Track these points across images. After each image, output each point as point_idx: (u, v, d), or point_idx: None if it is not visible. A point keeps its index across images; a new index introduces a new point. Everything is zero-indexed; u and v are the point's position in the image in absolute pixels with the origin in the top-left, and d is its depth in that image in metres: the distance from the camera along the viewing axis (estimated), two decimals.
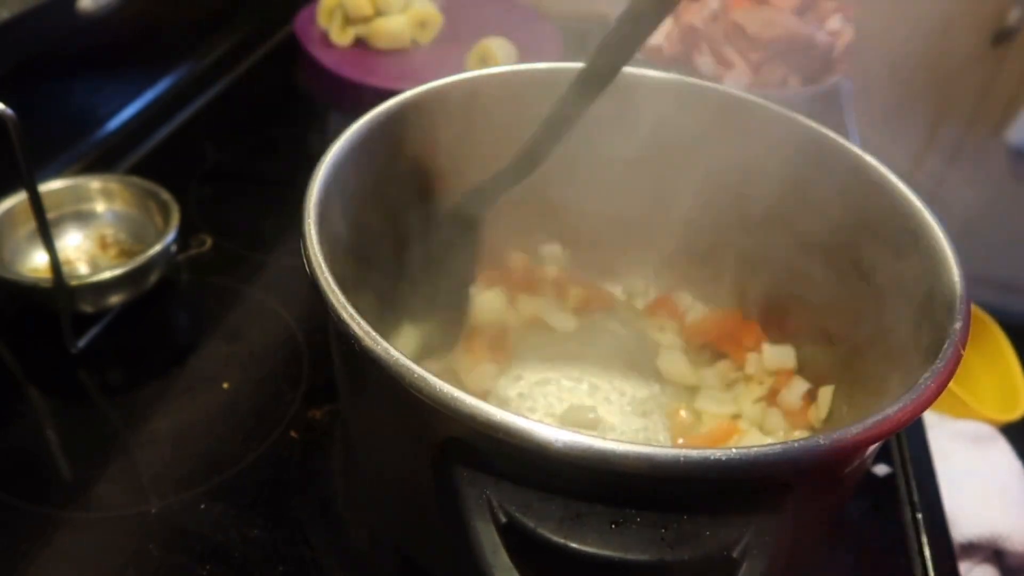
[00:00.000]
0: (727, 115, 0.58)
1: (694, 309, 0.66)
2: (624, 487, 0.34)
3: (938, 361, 0.38)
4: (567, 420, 0.59)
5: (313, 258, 0.41)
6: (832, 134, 0.54)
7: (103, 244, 0.73)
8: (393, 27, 1.06)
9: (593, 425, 0.58)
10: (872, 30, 1.05)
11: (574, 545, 0.33)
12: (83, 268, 0.71)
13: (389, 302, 0.60)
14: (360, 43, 1.09)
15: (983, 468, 0.95)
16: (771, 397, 0.58)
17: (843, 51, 1.00)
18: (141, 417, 0.61)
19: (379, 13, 1.07)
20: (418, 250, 0.61)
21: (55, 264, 0.60)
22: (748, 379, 0.61)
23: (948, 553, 0.58)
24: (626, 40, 0.44)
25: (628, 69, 0.60)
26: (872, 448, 0.40)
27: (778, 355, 0.60)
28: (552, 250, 0.68)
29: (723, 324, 0.63)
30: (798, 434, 0.56)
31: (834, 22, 1.00)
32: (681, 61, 0.99)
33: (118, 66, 0.93)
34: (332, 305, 0.38)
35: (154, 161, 0.89)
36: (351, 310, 0.38)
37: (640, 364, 0.63)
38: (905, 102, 1.55)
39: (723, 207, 0.61)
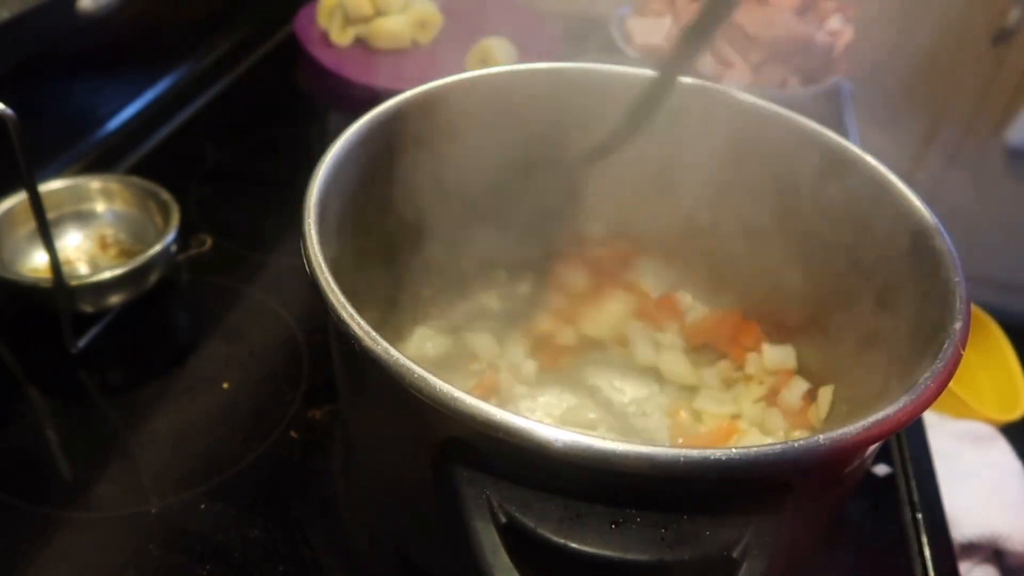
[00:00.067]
0: (726, 115, 0.58)
1: (694, 309, 0.66)
2: (624, 487, 0.34)
3: (938, 361, 0.38)
4: (566, 420, 0.59)
5: (313, 258, 0.41)
6: (832, 134, 0.54)
7: (103, 244, 0.73)
8: (393, 27, 1.06)
9: (593, 425, 0.59)
10: (872, 30, 1.05)
11: (574, 545, 0.33)
12: (83, 268, 0.71)
13: (392, 302, 0.60)
14: (360, 43, 1.08)
15: (983, 468, 0.95)
16: (771, 397, 0.58)
17: (843, 51, 1.00)
18: (141, 417, 0.61)
19: (379, 13, 1.07)
20: (419, 249, 0.61)
21: (55, 264, 0.60)
22: (748, 379, 0.61)
23: (948, 553, 0.58)
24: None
25: (628, 69, 0.60)
26: (872, 448, 0.40)
27: (778, 355, 0.60)
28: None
29: (724, 324, 0.63)
30: (798, 434, 0.56)
31: (834, 22, 1.00)
32: None
33: (118, 66, 0.93)
34: (332, 305, 0.38)
35: (154, 161, 0.89)
36: (351, 310, 0.38)
37: (640, 364, 0.63)
38: (905, 102, 1.55)
39: (722, 207, 0.61)
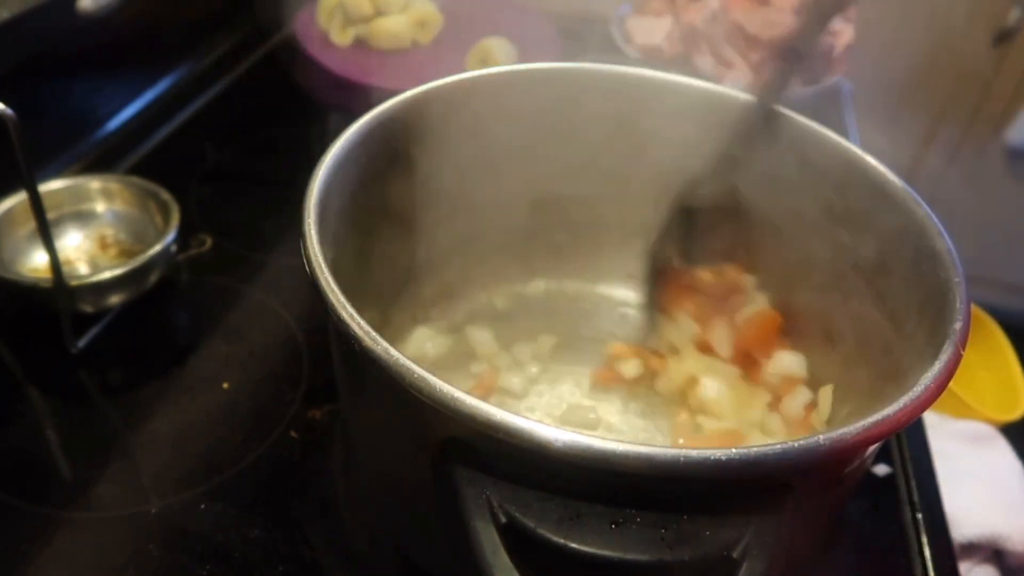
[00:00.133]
0: (726, 115, 0.58)
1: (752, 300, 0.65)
2: (624, 487, 0.34)
3: (938, 361, 0.38)
4: (567, 420, 0.59)
5: (313, 258, 0.41)
6: (832, 134, 0.54)
7: (103, 244, 0.73)
8: (393, 27, 1.06)
9: (593, 425, 0.58)
10: (872, 30, 1.06)
11: (574, 545, 0.33)
12: (83, 268, 0.71)
13: (392, 302, 0.60)
14: (360, 43, 1.08)
15: (983, 468, 0.95)
16: (774, 403, 0.58)
17: (843, 51, 1.00)
18: (141, 417, 0.61)
19: (379, 13, 1.06)
20: (419, 248, 0.61)
21: (55, 264, 0.60)
22: (755, 385, 0.60)
23: (948, 553, 0.58)
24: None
25: (628, 70, 0.60)
26: (872, 448, 0.40)
27: (791, 362, 0.58)
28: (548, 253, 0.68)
29: (765, 326, 0.60)
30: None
31: (834, 22, 1.00)
32: (681, 61, 0.99)
33: (118, 66, 0.93)
34: (332, 305, 0.38)
35: (154, 161, 0.89)
36: (351, 310, 0.38)
37: (631, 356, 0.63)
38: (905, 102, 1.56)
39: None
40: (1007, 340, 1.38)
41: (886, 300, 0.50)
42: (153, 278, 0.69)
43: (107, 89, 0.92)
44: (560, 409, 0.60)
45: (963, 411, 1.18)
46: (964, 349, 0.40)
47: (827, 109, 1.00)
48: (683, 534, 0.34)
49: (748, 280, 0.61)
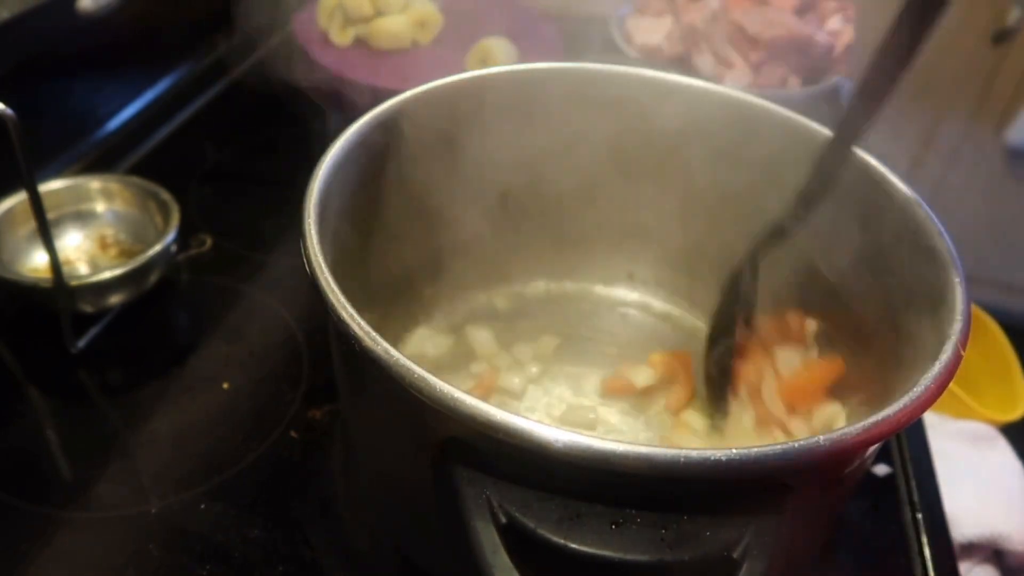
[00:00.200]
0: (727, 115, 0.58)
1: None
2: (624, 487, 0.34)
3: (938, 361, 0.38)
4: (566, 420, 0.59)
5: (313, 258, 0.41)
6: (832, 134, 0.54)
7: (103, 244, 0.73)
8: (393, 27, 1.06)
9: (593, 425, 0.59)
10: (872, 30, 1.05)
11: (574, 545, 0.33)
12: (83, 268, 0.71)
13: (392, 302, 0.60)
14: (360, 43, 1.08)
15: (983, 468, 0.95)
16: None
17: (843, 51, 1.00)
18: (141, 417, 0.61)
19: (379, 13, 1.06)
20: (419, 249, 0.61)
21: (55, 264, 0.60)
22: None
23: (948, 553, 0.58)
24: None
25: (628, 70, 0.60)
26: (872, 448, 0.40)
27: (832, 415, 0.53)
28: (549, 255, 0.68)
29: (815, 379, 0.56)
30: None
31: (834, 22, 1.00)
32: (681, 61, 0.99)
33: (118, 66, 0.93)
34: (332, 305, 0.38)
35: (154, 161, 0.89)
36: (351, 310, 0.38)
37: (640, 363, 0.63)
38: (905, 102, 1.55)
39: (721, 208, 0.61)
40: (1007, 340, 1.37)
41: (886, 300, 0.50)
42: (153, 278, 0.69)
43: (107, 89, 0.92)
44: (560, 409, 0.60)
45: (963, 411, 1.18)
46: (964, 349, 0.40)
47: (827, 109, 1.00)
48: (683, 534, 0.34)
49: (810, 326, 0.57)
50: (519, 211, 0.64)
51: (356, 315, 0.37)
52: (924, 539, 0.58)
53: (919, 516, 0.60)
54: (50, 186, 0.71)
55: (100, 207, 0.74)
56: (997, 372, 1.36)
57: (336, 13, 1.07)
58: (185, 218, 0.71)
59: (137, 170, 0.84)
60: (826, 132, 0.54)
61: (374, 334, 0.36)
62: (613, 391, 0.61)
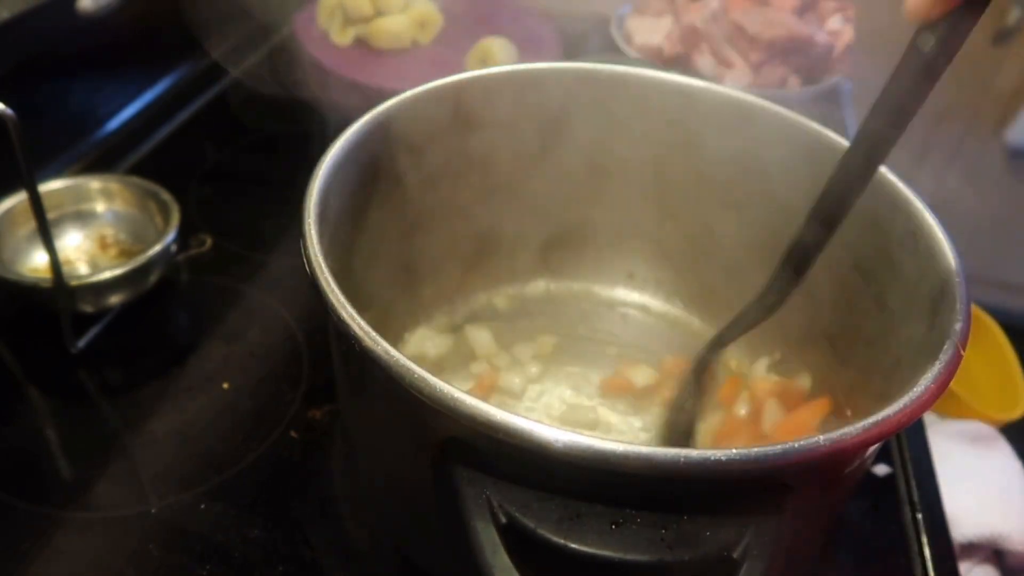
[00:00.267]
0: (727, 115, 0.58)
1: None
2: (624, 487, 0.34)
3: (938, 361, 0.38)
4: (566, 420, 0.59)
5: (313, 258, 0.41)
6: (832, 134, 0.54)
7: (103, 244, 0.73)
8: (393, 27, 1.06)
9: (593, 425, 0.59)
10: (872, 30, 1.05)
11: (574, 545, 0.33)
12: (83, 268, 0.71)
13: (392, 302, 0.60)
14: (360, 43, 1.08)
15: (983, 468, 0.94)
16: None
17: (843, 51, 1.00)
18: (141, 417, 0.61)
19: (379, 13, 1.06)
20: (419, 248, 0.61)
21: (55, 264, 0.60)
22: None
23: (948, 553, 0.58)
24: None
25: (628, 70, 0.60)
26: (872, 448, 0.40)
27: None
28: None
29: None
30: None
31: (834, 22, 1.00)
32: (681, 61, 0.99)
33: (118, 66, 0.93)
34: (332, 305, 0.38)
35: (154, 161, 0.89)
36: (351, 310, 0.38)
37: (640, 363, 0.63)
38: None
39: (721, 208, 0.61)
40: (1007, 340, 1.37)
41: (886, 300, 0.50)
42: (153, 278, 0.69)
43: (107, 89, 0.92)
44: (560, 409, 0.60)
45: (963, 411, 1.18)
46: (964, 349, 0.39)
47: (827, 109, 1.00)
48: (683, 534, 0.34)
49: (806, 380, 0.59)
50: (519, 211, 0.64)
51: (356, 315, 0.37)
52: (924, 539, 0.58)
53: (919, 516, 0.60)
54: (50, 186, 0.71)
55: (100, 207, 0.74)
56: (997, 372, 1.36)
57: (336, 13, 1.07)
58: (185, 218, 0.71)
59: (137, 170, 0.85)
60: (826, 133, 0.54)
61: (374, 334, 0.36)
62: (613, 391, 0.61)
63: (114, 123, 0.92)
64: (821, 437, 0.34)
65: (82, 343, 0.66)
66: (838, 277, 0.54)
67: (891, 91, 0.39)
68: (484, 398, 0.34)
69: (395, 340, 0.62)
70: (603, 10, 1.11)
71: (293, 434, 0.60)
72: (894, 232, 0.49)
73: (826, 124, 0.55)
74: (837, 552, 0.57)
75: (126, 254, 0.72)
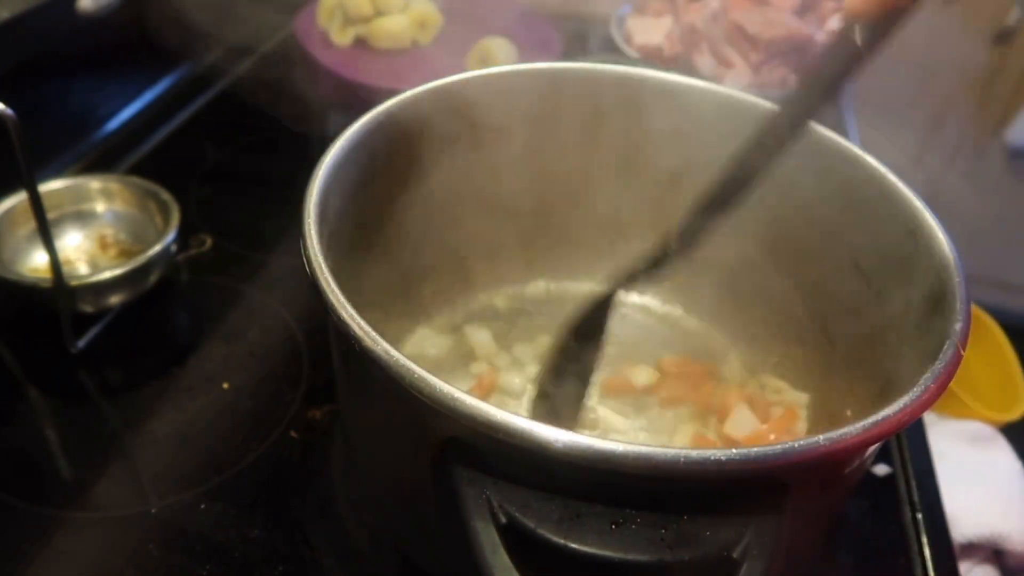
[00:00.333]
0: (727, 115, 0.58)
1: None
2: (624, 487, 0.34)
3: (938, 361, 0.38)
4: None
5: (313, 258, 0.41)
6: (832, 134, 0.54)
7: (103, 244, 0.73)
8: (393, 27, 1.06)
9: (593, 425, 0.58)
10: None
11: (574, 545, 0.33)
12: (83, 268, 0.71)
13: (392, 302, 0.60)
14: (360, 43, 1.08)
15: (983, 468, 0.94)
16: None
17: None
18: (141, 417, 0.61)
19: (379, 13, 1.06)
20: (420, 248, 0.61)
21: (55, 264, 0.60)
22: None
23: (948, 553, 0.58)
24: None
25: (628, 70, 0.60)
26: (872, 448, 0.40)
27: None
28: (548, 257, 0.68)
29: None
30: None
31: (834, 22, 1.00)
32: (681, 61, 0.99)
33: (118, 66, 0.93)
34: (332, 305, 0.38)
35: (154, 161, 0.89)
36: (351, 310, 0.38)
37: (640, 363, 0.63)
38: (905, 102, 1.55)
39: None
40: (1007, 340, 1.37)
41: (886, 301, 0.50)
42: (153, 278, 0.69)
43: (107, 89, 0.92)
44: None
45: (963, 411, 1.17)
46: (964, 349, 0.40)
47: (827, 109, 1.00)
48: (683, 534, 0.34)
49: (801, 398, 0.60)
50: (519, 210, 0.64)
51: (356, 315, 0.37)
52: (924, 539, 0.58)
53: (919, 516, 0.60)
54: (50, 186, 0.71)
55: (100, 207, 0.74)
56: (997, 372, 1.36)
57: (336, 13, 1.07)
58: (185, 218, 0.71)
59: (137, 170, 0.85)
60: (826, 133, 0.54)
61: (374, 334, 0.36)
62: (613, 391, 0.61)
63: (114, 123, 0.92)
64: (821, 437, 0.34)
65: (82, 343, 0.66)
66: (838, 277, 0.54)
67: (820, 70, 0.43)
68: (484, 398, 0.34)
69: (395, 340, 0.61)
70: (603, 10, 1.11)
71: (293, 434, 0.60)
72: (894, 232, 0.49)
73: (825, 124, 0.55)
74: (837, 552, 0.57)
75: (126, 254, 0.72)
